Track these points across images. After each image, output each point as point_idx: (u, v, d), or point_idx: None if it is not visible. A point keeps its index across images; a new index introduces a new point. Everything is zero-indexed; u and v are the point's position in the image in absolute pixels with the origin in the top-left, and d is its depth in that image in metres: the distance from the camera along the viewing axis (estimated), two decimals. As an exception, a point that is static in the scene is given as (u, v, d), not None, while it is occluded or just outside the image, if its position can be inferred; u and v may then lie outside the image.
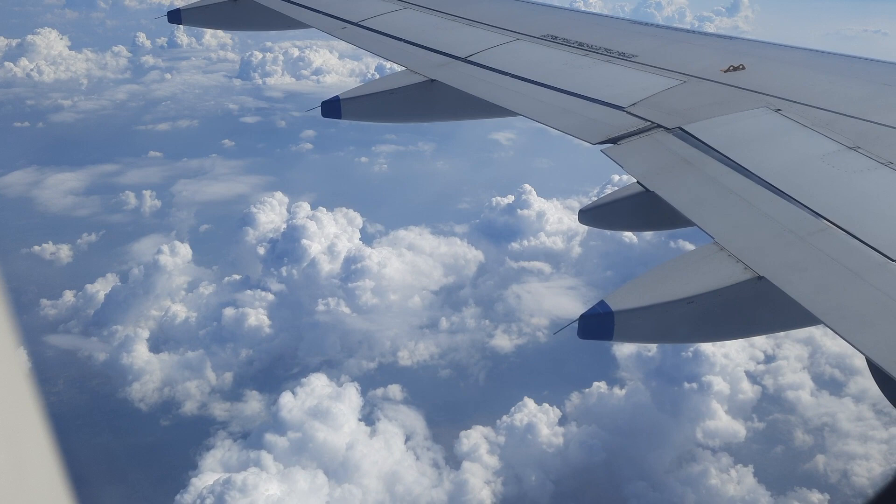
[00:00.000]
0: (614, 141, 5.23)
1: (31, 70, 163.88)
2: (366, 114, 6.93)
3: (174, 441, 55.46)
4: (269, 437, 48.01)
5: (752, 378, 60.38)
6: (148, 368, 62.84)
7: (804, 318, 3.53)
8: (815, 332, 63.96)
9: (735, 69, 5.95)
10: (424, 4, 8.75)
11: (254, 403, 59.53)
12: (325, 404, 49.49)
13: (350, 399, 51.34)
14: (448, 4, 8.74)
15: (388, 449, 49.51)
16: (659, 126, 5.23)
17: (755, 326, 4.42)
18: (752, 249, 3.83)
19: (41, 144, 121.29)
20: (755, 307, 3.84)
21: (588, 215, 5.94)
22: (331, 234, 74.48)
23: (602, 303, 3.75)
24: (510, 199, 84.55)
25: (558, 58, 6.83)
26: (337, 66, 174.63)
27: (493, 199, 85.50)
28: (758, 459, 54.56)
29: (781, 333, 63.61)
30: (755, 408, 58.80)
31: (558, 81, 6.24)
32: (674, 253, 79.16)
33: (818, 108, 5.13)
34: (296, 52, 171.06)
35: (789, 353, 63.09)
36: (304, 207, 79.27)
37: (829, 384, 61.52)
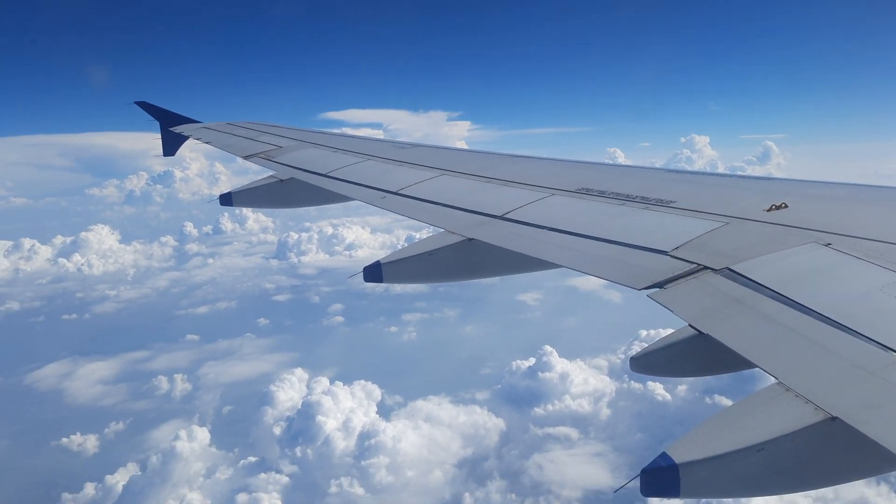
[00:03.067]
0: (660, 285, 5.00)
1: (82, 264, 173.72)
2: (406, 275, 6.93)
3: None
4: None
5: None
6: (156, 566, 60.29)
7: (887, 461, 3.30)
8: (868, 491, 58.49)
9: (778, 208, 5.86)
10: (460, 170, 9.03)
11: None
12: None
13: None
14: (483, 168, 8.96)
15: None
16: (705, 268, 5.03)
17: (832, 473, 3.95)
18: (821, 389, 3.57)
19: (83, 336, 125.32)
20: (831, 452, 3.54)
21: (640, 362, 5.58)
22: (346, 409, 72.32)
23: (664, 455, 3.45)
24: (531, 361, 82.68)
25: (595, 209, 6.81)
26: (369, 240, 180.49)
27: (514, 363, 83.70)
28: None
29: (831, 494, 58.32)
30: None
31: (597, 231, 6.14)
32: (710, 409, 75.59)
33: (869, 240, 4.96)
34: (330, 230, 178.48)
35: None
36: (323, 383, 78.20)
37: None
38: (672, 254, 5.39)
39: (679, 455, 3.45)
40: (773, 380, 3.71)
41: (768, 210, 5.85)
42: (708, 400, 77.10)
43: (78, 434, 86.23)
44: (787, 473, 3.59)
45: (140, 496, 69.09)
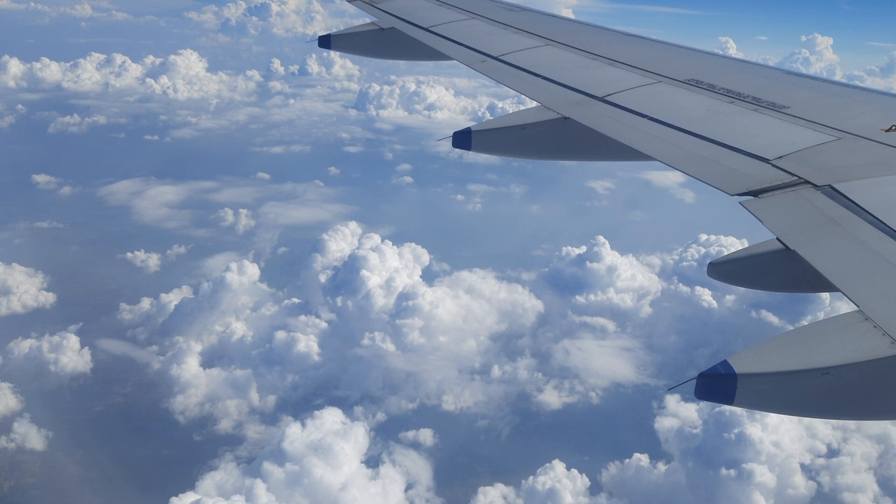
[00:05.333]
0: (755, 194, 4.91)
1: (168, 87, 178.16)
2: (495, 147, 6.99)
3: (194, 457, 56.80)
4: (268, 467, 45.95)
5: (808, 472, 53.75)
6: (195, 382, 63.46)
7: None
8: (894, 429, 57.62)
9: None
10: (566, 42, 8.75)
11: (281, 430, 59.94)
12: (328, 440, 47.33)
13: (357, 439, 50.00)
14: (590, 43, 8.64)
15: (384, 495, 48.01)
16: (806, 182, 4.88)
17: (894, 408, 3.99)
18: None
19: (160, 158, 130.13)
20: None
21: (719, 269, 5.70)
22: (392, 268, 74.16)
23: (725, 363, 3.57)
24: (583, 249, 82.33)
25: (701, 103, 6.58)
26: (450, 103, 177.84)
27: (564, 249, 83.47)
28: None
29: (853, 426, 57.67)
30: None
31: (699, 128, 5.98)
32: (755, 324, 74.47)
33: None
34: (413, 87, 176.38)
35: (856, 449, 55.35)
36: (374, 239, 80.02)
37: (896, 492, 54.28)
38: (774, 163, 5.17)
39: (740, 366, 3.48)
40: (836, 308, 3.70)
41: (887, 130, 5.49)
42: (754, 314, 75.85)
43: (142, 251, 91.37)
44: (847, 401, 3.55)
45: (189, 317, 73.45)
